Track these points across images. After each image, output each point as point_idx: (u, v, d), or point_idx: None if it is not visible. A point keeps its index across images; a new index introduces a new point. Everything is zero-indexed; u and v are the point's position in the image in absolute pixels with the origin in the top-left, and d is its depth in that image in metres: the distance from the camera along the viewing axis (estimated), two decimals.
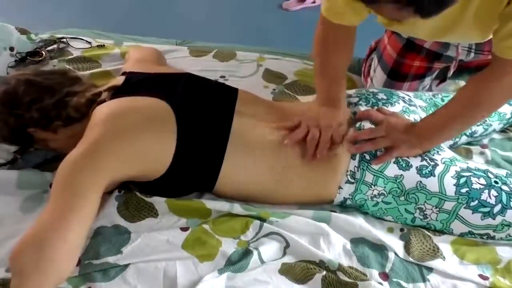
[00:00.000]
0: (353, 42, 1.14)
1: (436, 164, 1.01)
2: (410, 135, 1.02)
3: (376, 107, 1.12)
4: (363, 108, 1.12)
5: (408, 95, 1.20)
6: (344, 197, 1.04)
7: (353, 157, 1.02)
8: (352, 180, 1.02)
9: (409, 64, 1.37)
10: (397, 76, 1.40)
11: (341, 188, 1.03)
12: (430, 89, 1.42)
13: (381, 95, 1.16)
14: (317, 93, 1.15)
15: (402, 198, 1.00)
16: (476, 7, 0.96)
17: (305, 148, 1.02)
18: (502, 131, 1.31)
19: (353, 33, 1.12)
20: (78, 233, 0.86)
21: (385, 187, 1.00)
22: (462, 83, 1.42)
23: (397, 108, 1.12)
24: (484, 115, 1.09)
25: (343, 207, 1.07)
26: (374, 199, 1.02)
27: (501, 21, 0.91)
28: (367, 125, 1.07)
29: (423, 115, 1.14)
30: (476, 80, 0.99)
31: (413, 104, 1.16)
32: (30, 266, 0.79)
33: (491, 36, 0.99)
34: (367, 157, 1.02)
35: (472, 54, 1.30)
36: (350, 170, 1.02)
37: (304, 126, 1.04)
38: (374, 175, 1.01)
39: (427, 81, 1.40)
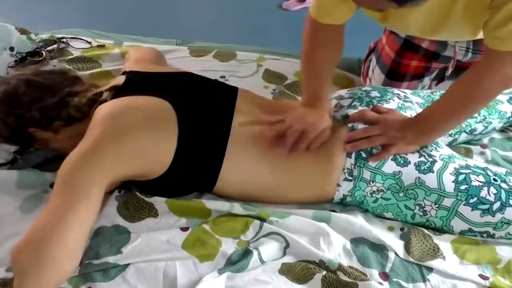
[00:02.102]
0: (342, 41, 1.15)
1: (435, 161, 1.01)
2: (407, 131, 1.02)
3: (371, 106, 1.12)
4: (357, 108, 1.12)
5: (403, 92, 1.20)
6: (343, 194, 1.04)
7: (348, 155, 1.02)
8: (350, 178, 1.02)
9: (407, 64, 1.37)
10: (395, 76, 1.40)
11: (340, 186, 1.03)
12: (430, 89, 1.42)
13: (374, 93, 1.16)
14: (303, 93, 1.15)
15: (401, 194, 1.00)
16: (465, 1, 0.96)
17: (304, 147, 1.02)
18: (502, 130, 1.31)
19: (341, 32, 1.13)
20: (78, 233, 0.86)
21: (383, 183, 1.01)
22: None
23: (392, 105, 1.13)
24: (480, 107, 1.08)
25: (343, 204, 1.07)
26: (374, 195, 1.02)
27: (490, 13, 0.92)
28: (360, 126, 1.07)
29: (420, 111, 1.14)
30: (471, 72, 0.99)
31: (408, 101, 1.16)
32: (30, 266, 0.79)
33: (481, 35, 0.99)
34: (363, 154, 1.02)
35: (470, 54, 1.30)
36: (347, 168, 1.02)
37: (288, 121, 1.04)
38: (371, 172, 1.01)
39: (426, 81, 1.40)
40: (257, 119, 1.06)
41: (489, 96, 1.01)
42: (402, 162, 1.01)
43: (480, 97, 1.00)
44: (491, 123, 1.24)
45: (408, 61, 1.36)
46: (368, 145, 1.02)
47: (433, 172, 0.99)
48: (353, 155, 1.02)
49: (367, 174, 1.01)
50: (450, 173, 0.99)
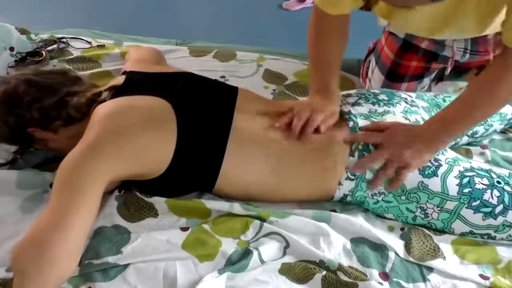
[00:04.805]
0: (347, 31, 1.15)
1: (440, 165, 1.00)
2: (416, 144, 0.99)
3: (376, 106, 1.12)
4: (362, 106, 1.12)
5: (410, 96, 1.19)
6: (344, 193, 1.04)
7: (352, 154, 1.02)
8: (352, 177, 1.02)
9: (407, 65, 1.37)
10: (395, 77, 1.40)
11: (341, 184, 1.02)
12: (429, 90, 1.42)
13: (382, 96, 1.16)
14: (311, 83, 1.16)
15: (403, 198, 1.00)
16: None
17: (304, 143, 1.02)
18: (502, 131, 1.31)
19: (347, 22, 1.13)
20: (78, 233, 0.86)
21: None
22: (461, 84, 1.43)
23: (398, 109, 1.12)
24: (498, 108, 1.04)
25: (344, 204, 1.07)
26: (375, 197, 1.02)
27: (508, 10, 0.91)
28: (361, 122, 1.07)
29: (425, 115, 1.14)
30: (488, 72, 0.98)
31: (415, 105, 1.16)
32: (30, 266, 0.79)
33: (487, 32, 0.98)
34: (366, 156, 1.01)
35: (468, 55, 1.30)
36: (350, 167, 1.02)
37: (295, 110, 1.05)
38: (374, 174, 1.00)
39: (426, 81, 1.40)
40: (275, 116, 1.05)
41: (509, 96, 0.98)
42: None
43: (499, 97, 0.97)
44: (492, 125, 1.24)
45: (408, 61, 1.36)
46: (372, 165, 1.00)
47: (437, 176, 0.99)
48: (356, 155, 1.02)
49: (370, 176, 1.01)
50: (454, 176, 0.99)
